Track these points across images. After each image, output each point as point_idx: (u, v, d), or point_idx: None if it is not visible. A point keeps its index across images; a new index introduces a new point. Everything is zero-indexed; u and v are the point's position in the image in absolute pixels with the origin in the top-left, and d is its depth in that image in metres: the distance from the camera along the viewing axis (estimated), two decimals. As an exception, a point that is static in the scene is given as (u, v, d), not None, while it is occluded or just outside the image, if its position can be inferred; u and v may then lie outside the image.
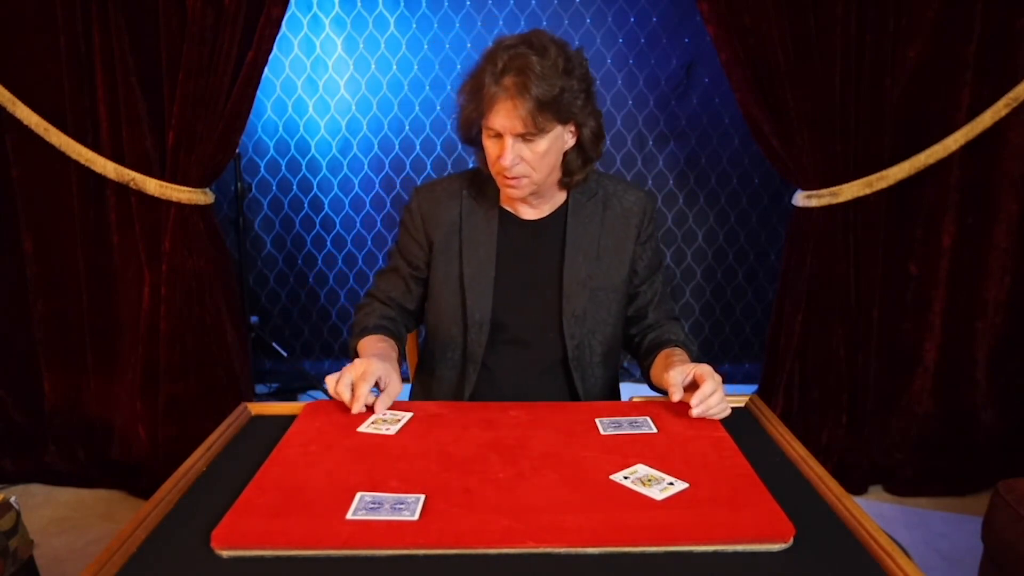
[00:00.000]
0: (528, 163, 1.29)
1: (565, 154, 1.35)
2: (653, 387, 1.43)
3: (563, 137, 1.32)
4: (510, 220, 1.44)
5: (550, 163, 1.32)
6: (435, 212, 1.44)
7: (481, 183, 1.45)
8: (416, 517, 0.90)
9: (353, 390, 1.20)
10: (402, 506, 0.91)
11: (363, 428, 1.16)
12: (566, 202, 1.44)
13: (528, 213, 1.44)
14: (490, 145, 1.30)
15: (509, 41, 1.28)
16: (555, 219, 1.44)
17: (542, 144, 1.28)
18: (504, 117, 1.25)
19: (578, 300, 1.40)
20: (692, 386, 1.21)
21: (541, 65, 1.24)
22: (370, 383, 1.20)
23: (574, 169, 1.38)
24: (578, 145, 1.36)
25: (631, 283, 1.47)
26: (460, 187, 1.45)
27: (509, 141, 1.26)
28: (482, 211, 1.43)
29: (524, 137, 1.26)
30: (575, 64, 1.29)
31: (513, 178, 1.30)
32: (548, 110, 1.24)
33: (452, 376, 1.45)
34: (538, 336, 1.43)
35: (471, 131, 1.36)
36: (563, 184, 1.41)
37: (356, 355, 1.35)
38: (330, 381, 1.21)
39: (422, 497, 0.94)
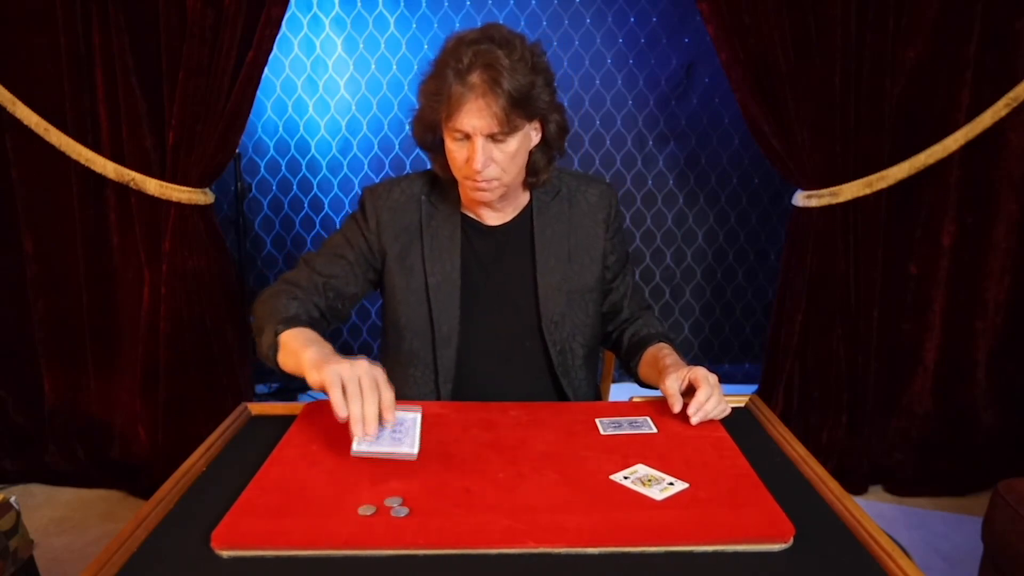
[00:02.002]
0: (499, 164, 1.23)
1: (530, 153, 1.29)
2: (642, 384, 1.41)
3: (529, 135, 1.26)
4: (473, 227, 1.37)
5: (520, 163, 1.27)
6: (392, 219, 1.36)
7: (441, 187, 1.37)
8: (415, 450, 1.02)
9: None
10: (399, 433, 1.03)
11: (363, 428, 1.16)
12: (530, 203, 1.38)
13: (492, 218, 1.37)
14: (456, 148, 1.23)
15: (469, 36, 1.20)
16: (520, 222, 1.38)
17: (512, 144, 1.22)
18: (475, 117, 1.17)
19: (556, 305, 1.36)
20: (690, 389, 1.20)
21: (509, 59, 1.17)
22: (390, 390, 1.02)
23: (539, 168, 1.32)
24: (543, 142, 1.30)
25: (604, 279, 1.43)
26: (419, 191, 1.37)
27: (479, 142, 1.19)
28: (443, 217, 1.36)
29: (494, 138, 1.20)
30: (539, 57, 1.23)
31: (484, 181, 1.24)
32: (520, 107, 1.18)
33: (425, 394, 1.36)
34: (516, 347, 1.37)
35: (430, 135, 1.29)
36: (528, 184, 1.35)
37: (274, 350, 1.17)
38: (343, 404, 0.97)
39: (418, 413, 1.07)
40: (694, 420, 1.16)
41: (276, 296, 1.28)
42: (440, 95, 1.19)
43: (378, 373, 1.00)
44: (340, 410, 0.96)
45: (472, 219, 1.38)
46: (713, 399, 1.16)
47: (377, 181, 3.17)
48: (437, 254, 1.34)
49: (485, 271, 1.37)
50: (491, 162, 1.22)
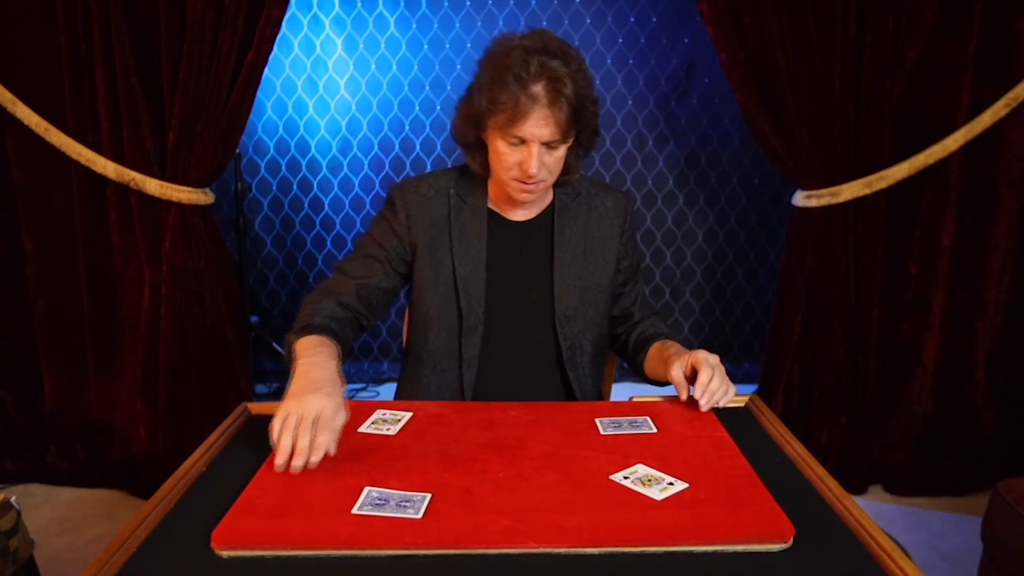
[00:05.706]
0: (547, 168, 1.30)
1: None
2: (647, 380, 1.46)
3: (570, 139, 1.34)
4: (498, 221, 1.44)
5: (561, 166, 1.34)
6: (422, 212, 1.42)
7: (469, 183, 1.43)
8: (420, 515, 0.90)
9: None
10: (407, 504, 0.91)
11: (363, 428, 1.16)
12: (552, 202, 1.45)
13: (517, 214, 1.44)
14: (508, 152, 1.28)
15: (530, 44, 1.25)
16: (543, 220, 1.45)
17: (562, 150, 1.30)
18: (538, 126, 1.23)
19: (569, 300, 1.41)
20: (694, 376, 1.23)
21: (568, 69, 1.23)
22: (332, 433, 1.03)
23: (572, 167, 1.39)
24: (575, 143, 1.36)
25: (615, 282, 1.48)
26: (447, 186, 1.44)
27: (536, 149, 1.25)
28: (470, 211, 1.42)
29: (548, 145, 1.27)
30: (586, 66, 1.30)
31: (533, 184, 1.31)
32: (576, 118, 1.26)
33: (449, 380, 1.41)
34: (531, 337, 1.43)
35: (473, 134, 1.34)
36: (560, 182, 1.41)
37: (293, 354, 1.23)
38: (277, 427, 1.02)
39: (428, 496, 0.94)
40: (702, 404, 1.20)
41: (307, 304, 1.36)
42: (502, 103, 1.23)
43: (326, 419, 1.02)
44: (272, 438, 1.01)
45: (497, 214, 1.44)
46: (716, 379, 1.20)
47: (378, 181, 3.18)
48: (465, 246, 1.40)
49: (507, 263, 1.42)
50: (542, 167, 1.28)
